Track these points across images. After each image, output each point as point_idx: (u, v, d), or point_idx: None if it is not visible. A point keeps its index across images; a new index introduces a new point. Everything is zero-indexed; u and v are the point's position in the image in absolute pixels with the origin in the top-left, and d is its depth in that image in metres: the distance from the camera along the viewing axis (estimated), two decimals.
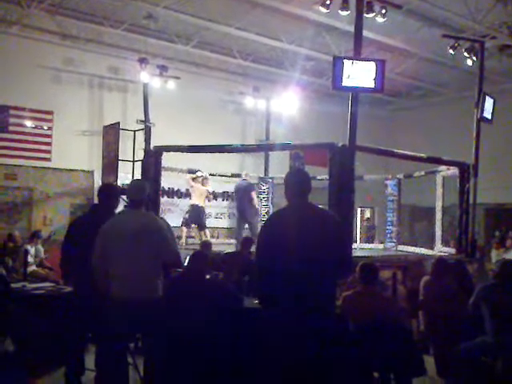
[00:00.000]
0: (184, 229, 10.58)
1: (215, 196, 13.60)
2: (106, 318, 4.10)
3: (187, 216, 10.71)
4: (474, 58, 9.83)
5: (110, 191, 4.97)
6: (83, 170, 12.51)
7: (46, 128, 12.12)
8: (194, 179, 10.93)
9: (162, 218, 4.28)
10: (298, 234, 3.45)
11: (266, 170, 13.26)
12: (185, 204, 12.43)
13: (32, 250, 9.62)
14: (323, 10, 8.63)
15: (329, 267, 3.44)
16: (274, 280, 3.48)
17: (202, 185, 10.92)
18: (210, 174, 11.37)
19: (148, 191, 4.37)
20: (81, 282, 4.54)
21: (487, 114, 9.72)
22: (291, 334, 3.44)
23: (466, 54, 9.80)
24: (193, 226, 10.89)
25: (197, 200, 10.76)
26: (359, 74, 7.52)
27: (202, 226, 10.81)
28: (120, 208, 5.01)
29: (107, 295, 4.04)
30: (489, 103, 9.71)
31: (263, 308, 3.80)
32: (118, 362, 4.11)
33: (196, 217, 10.68)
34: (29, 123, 11.93)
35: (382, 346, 4.26)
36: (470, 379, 4.68)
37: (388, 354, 4.26)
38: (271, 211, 12.49)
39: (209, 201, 11.21)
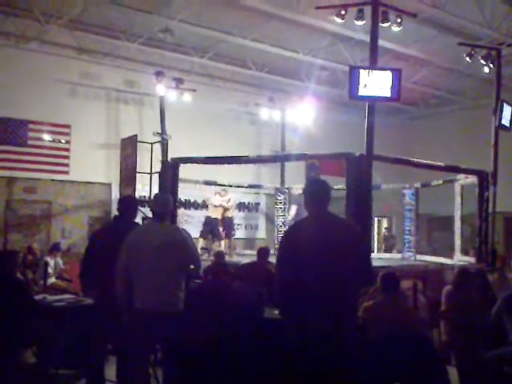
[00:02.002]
0: (201, 240, 10.65)
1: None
2: (127, 329, 4.11)
3: (203, 228, 10.86)
4: (491, 66, 9.76)
5: (129, 203, 5.01)
6: (101, 183, 12.61)
7: (63, 142, 12.25)
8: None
9: (184, 231, 4.29)
10: (318, 244, 3.43)
11: (282, 180, 13.26)
12: (201, 215, 12.52)
13: (52, 263, 9.68)
14: (338, 20, 8.64)
15: (350, 277, 3.42)
16: (295, 291, 3.47)
17: (220, 196, 11.04)
18: (227, 186, 11.43)
19: (172, 204, 4.41)
20: (102, 294, 4.55)
21: (505, 122, 9.64)
22: (312, 345, 3.41)
23: (482, 61, 9.73)
24: (209, 236, 10.95)
25: (210, 212, 10.93)
26: (375, 84, 7.52)
27: (218, 238, 10.90)
28: (138, 219, 5.05)
29: (129, 307, 4.04)
30: (507, 111, 9.63)
31: (283, 319, 3.79)
32: (139, 373, 4.11)
33: (211, 228, 10.83)
34: (47, 137, 12.08)
35: (404, 356, 4.21)
36: None
37: (410, 364, 4.21)
38: (287, 221, 12.50)
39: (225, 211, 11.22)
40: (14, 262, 5.29)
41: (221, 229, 11.05)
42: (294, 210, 11.16)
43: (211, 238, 10.98)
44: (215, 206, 10.98)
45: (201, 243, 10.59)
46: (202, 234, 10.79)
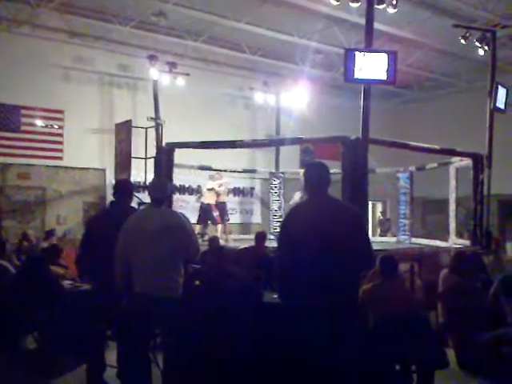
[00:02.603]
0: (197, 226, 10.67)
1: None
2: (126, 314, 4.10)
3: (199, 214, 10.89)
4: (486, 48, 9.73)
5: (125, 187, 4.99)
6: (95, 168, 12.55)
7: (56, 127, 12.16)
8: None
9: (183, 215, 4.27)
10: (318, 228, 3.43)
11: (276, 165, 13.24)
12: (195, 201, 12.54)
13: None
14: (333, 2, 8.57)
15: (350, 260, 3.43)
16: (295, 275, 3.47)
17: (212, 180, 11.05)
18: (221, 170, 11.42)
19: (170, 189, 4.39)
20: (100, 279, 4.55)
21: (500, 104, 9.64)
22: (311, 328, 3.42)
23: (477, 43, 9.70)
24: (206, 222, 10.97)
25: (204, 197, 10.97)
26: (371, 66, 7.47)
27: (213, 223, 10.94)
28: (133, 205, 5.04)
29: (128, 292, 4.04)
30: (502, 93, 9.63)
31: (283, 303, 3.80)
32: (139, 358, 4.11)
33: (205, 214, 10.86)
34: (40, 123, 11.97)
35: (403, 338, 4.24)
36: (492, 371, 4.65)
37: (410, 346, 4.24)
38: (283, 206, 12.52)
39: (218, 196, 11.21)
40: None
41: (215, 214, 11.06)
42: (298, 196, 11.17)
43: (207, 224, 10.99)
44: (208, 190, 11.01)
45: (197, 229, 10.60)
46: (198, 220, 10.81)
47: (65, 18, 11.54)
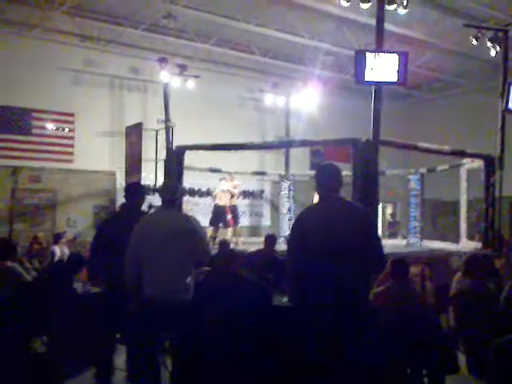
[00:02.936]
0: (210, 229, 10.61)
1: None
2: (135, 317, 4.10)
3: (212, 216, 10.82)
4: (498, 48, 9.64)
5: (136, 190, 5.00)
6: (105, 171, 12.59)
7: (68, 130, 12.23)
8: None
9: (194, 219, 4.26)
10: (329, 230, 3.43)
11: (286, 167, 13.22)
12: (206, 203, 12.50)
13: (58, 252, 9.70)
14: (344, 3, 8.53)
15: (361, 262, 3.41)
16: (306, 277, 3.46)
17: (226, 181, 11.02)
18: (231, 173, 11.39)
19: (180, 191, 4.40)
20: (110, 282, 4.55)
21: None
22: (323, 331, 3.41)
23: (489, 43, 9.61)
24: (220, 225, 10.91)
25: (218, 199, 10.89)
26: (382, 68, 7.44)
27: (225, 225, 10.88)
28: (144, 207, 5.04)
29: (138, 295, 4.04)
30: None
31: (293, 305, 3.78)
32: (148, 361, 4.11)
33: (219, 216, 10.79)
34: (51, 126, 12.05)
35: (414, 341, 4.21)
36: (504, 376, 4.59)
37: (421, 349, 4.21)
38: (292, 208, 12.48)
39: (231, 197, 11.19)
40: None
41: (229, 216, 11.01)
42: (316, 198, 11.14)
43: (219, 227, 10.93)
44: (222, 192, 10.93)
45: (210, 232, 10.55)
46: (212, 223, 10.73)
47: (75, 22, 11.62)
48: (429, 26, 11.41)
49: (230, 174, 11.28)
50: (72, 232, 11.58)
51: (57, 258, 9.30)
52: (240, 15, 11.24)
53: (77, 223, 12.14)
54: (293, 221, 6.90)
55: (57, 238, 10.09)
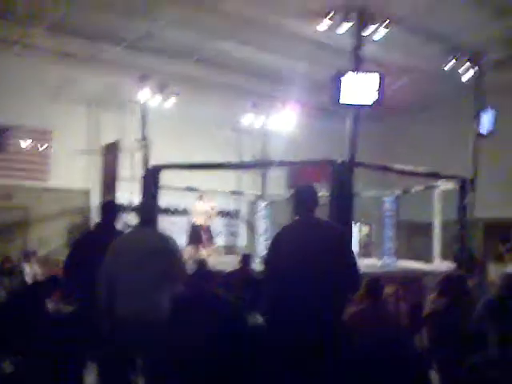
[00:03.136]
0: (188, 248, 10.55)
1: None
2: (108, 336, 4.04)
3: (190, 235, 10.78)
4: (472, 73, 9.88)
5: (111, 209, 4.96)
6: (80, 190, 12.46)
7: (43, 147, 12.10)
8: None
9: (170, 237, 4.25)
10: (305, 249, 3.44)
11: (263, 187, 13.25)
12: (183, 222, 12.44)
13: (28, 269, 9.55)
14: (323, 27, 8.69)
15: (337, 282, 3.42)
16: (281, 297, 3.46)
17: (204, 202, 11.01)
18: (209, 192, 11.40)
19: (157, 210, 4.40)
20: (83, 301, 4.49)
21: (485, 129, 9.79)
22: (296, 350, 3.40)
23: (464, 68, 9.85)
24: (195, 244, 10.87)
25: (195, 218, 10.86)
26: (358, 91, 7.58)
27: (202, 245, 10.85)
28: (120, 226, 5.01)
29: (111, 314, 3.98)
30: (487, 118, 9.78)
31: (268, 325, 3.77)
32: (120, 380, 4.05)
33: (197, 235, 10.76)
34: (27, 143, 11.91)
35: (387, 363, 4.21)
36: None
37: (394, 370, 4.21)
38: (269, 228, 12.47)
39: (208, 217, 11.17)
40: None
41: (204, 236, 11.00)
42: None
43: (196, 245, 10.89)
44: (201, 212, 10.91)
45: (188, 251, 10.48)
46: (190, 242, 10.69)
47: (55, 39, 11.54)
48: (407, 50, 11.62)
49: (202, 194, 11.23)
50: (45, 251, 11.41)
51: (27, 277, 9.15)
52: (220, 35, 11.32)
53: (50, 242, 11.94)
54: (269, 241, 6.91)
55: (26, 256, 9.92)
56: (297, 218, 3.66)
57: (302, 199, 3.64)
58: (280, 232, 3.82)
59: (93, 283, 4.03)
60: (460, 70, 10.04)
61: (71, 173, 12.05)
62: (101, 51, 12.06)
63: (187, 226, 11.13)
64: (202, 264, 7.44)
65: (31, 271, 9.69)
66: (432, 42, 11.17)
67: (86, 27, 11.31)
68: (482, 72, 9.95)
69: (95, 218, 4.85)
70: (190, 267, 6.57)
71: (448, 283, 5.53)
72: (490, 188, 11.17)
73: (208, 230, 11.13)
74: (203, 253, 10.85)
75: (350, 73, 7.76)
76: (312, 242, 3.46)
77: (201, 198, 11.15)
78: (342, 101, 7.61)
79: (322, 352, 3.40)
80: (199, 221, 10.91)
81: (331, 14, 8.51)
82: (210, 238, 11.14)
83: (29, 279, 9.41)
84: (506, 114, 12.07)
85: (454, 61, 9.96)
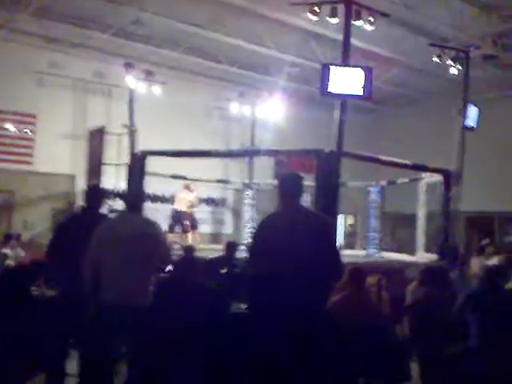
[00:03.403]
0: (170, 234, 10.57)
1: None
2: (91, 323, 4.04)
3: (171, 221, 10.80)
4: (459, 67, 9.95)
5: (96, 193, 4.94)
6: (65, 174, 12.39)
7: (28, 131, 12.00)
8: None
9: (155, 223, 4.25)
10: (289, 237, 3.45)
11: (250, 176, 13.26)
12: (167, 209, 12.42)
13: (11, 254, 9.47)
14: (312, 17, 8.68)
15: (320, 271, 3.44)
16: (265, 284, 3.48)
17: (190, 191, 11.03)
18: (195, 180, 11.39)
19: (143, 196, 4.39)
20: (66, 286, 4.47)
21: (471, 123, 9.87)
22: (280, 338, 3.43)
23: (451, 62, 9.92)
24: (178, 230, 10.90)
25: (177, 205, 10.90)
26: (347, 82, 7.59)
27: (184, 230, 10.89)
28: (105, 211, 5.00)
29: (95, 299, 3.98)
30: (473, 112, 9.86)
31: (251, 313, 3.79)
32: (102, 368, 4.05)
33: (179, 221, 10.79)
34: (11, 126, 11.80)
35: (369, 351, 4.27)
36: None
37: (374, 358, 4.27)
38: (254, 217, 12.52)
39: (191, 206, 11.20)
40: None
41: (187, 222, 11.02)
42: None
43: (179, 232, 10.92)
44: (183, 199, 10.93)
45: (170, 237, 10.50)
46: (171, 228, 10.72)
47: (41, 23, 11.40)
48: (394, 44, 11.65)
49: (190, 184, 11.23)
50: (29, 234, 11.35)
51: (9, 260, 9.10)
52: (209, 24, 11.26)
53: (34, 226, 11.87)
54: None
55: (7, 239, 9.84)
56: (281, 205, 3.67)
57: (287, 187, 3.65)
58: (264, 220, 3.83)
59: (76, 267, 4.01)
60: (446, 64, 10.08)
61: (57, 157, 11.98)
62: (88, 37, 11.94)
63: (170, 212, 11.13)
64: (189, 250, 7.47)
65: (13, 254, 9.62)
66: (419, 35, 11.22)
67: (72, 12, 11.18)
68: (469, 66, 10.00)
69: (80, 202, 4.83)
70: (175, 253, 6.60)
71: (429, 274, 5.59)
72: (473, 182, 11.28)
73: (192, 217, 11.15)
74: (189, 239, 10.87)
75: (338, 64, 7.74)
76: (296, 229, 3.47)
77: (188, 187, 11.14)
78: (330, 91, 7.60)
79: (305, 339, 3.42)
80: (182, 207, 10.93)
81: (319, 6, 8.46)
82: (194, 226, 11.16)
83: (11, 262, 9.34)
84: (492, 108, 12.21)
85: (440, 55, 9.98)
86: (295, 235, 3.45)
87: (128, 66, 11.66)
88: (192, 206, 11.07)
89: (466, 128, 9.79)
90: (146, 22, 11.17)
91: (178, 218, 10.90)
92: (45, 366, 4.66)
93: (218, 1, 10.00)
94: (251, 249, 3.71)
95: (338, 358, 4.13)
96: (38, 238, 11.25)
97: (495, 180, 13.36)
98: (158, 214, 12.51)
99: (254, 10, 10.33)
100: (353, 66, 7.88)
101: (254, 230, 3.99)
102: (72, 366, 4.59)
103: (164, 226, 10.67)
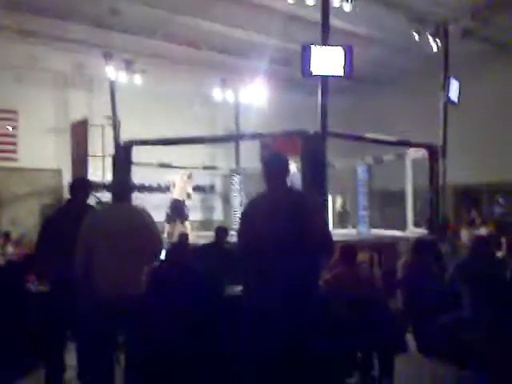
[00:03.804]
0: (167, 224, 10.46)
1: None
2: (86, 313, 4.04)
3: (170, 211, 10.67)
4: (439, 43, 9.97)
5: (81, 185, 4.92)
6: (51, 169, 12.31)
7: (10, 128, 11.89)
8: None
9: (146, 212, 4.24)
10: (276, 218, 3.46)
11: (237, 161, 13.26)
12: (157, 199, 12.36)
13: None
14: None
15: (310, 250, 3.46)
16: (256, 266, 3.49)
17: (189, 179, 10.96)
18: (182, 168, 11.32)
19: (132, 186, 4.37)
20: (59, 279, 4.46)
21: (453, 97, 9.92)
22: (275, 318, 3.45)
23: (430, 38, 9.93)
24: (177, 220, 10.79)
25: (176, 194, 10.81)
26: (328, 62, 7.59)
27: (184, 219, 10.80)
28: (92, 203, 4.98)
29: (89, 291, 3.97)
30: (454, 86, 9.90)
31: (245, 295, 3.81)
32: (101, 358, 4.06)
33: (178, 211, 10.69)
34: None
35: (364, 325, 4.32)
36: (450, 355, 4.77)
37: (371, 332, 4.32)
38: (244, 201, 12.53)
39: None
40: None
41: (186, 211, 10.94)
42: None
43: (176, 222, 10.79)
44: (182, 188, 10.80)
45: (167, 227, 10.40)
46: (169, 219, 10.59)
47: (16, 17, 11.22)
48: (373, 22, 11.61)
49: (191, 174, 11.11)
50: (17, 231, 11.29)
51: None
52: (186, 10, 11.14)
53: (23, 222, 11.80)
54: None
55: (4, 238, 9.83)
56: (267, 187, 3.67)
57: (272, 169, 3.65)
58: (250, 202, 3.84)
59: (68, 260, 4.00)
60: (426, 41, 10.09)
61: (41, 152, 11.89)
62: (65, 29, 11.76)
63: (169, 201, 10.97)
64: (183, 237, 7.46)
65: (3, 252, 9.60)
66: (397, 12, 11.18)
67: (47, 4, 10.99)
68: (448, 41, 10.02)
69: (67, 196, 4.80)
70: (173, 242, 6.58)
71: (420, 246, 5.65)
72: (459, 155, 11.36)
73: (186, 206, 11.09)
74: (188, 227, 10.77)
75: (315, 48, 7.71)
76: (282, 209, 3.47)
77: (189, 176, 11.00)
78: (311, 71, 7.59)
79: (301, 317, 3.44)
80: (180, 196, 10.82)
81: None
82: (187, 214, 11.11)
83: (2, 261, 9.31)
84: (473, 83, 12.25)
85: (419, 31, 9.99)
86: (281, 215, 3.46)
87: (107, 56, 11.55)
88: (189, 196, 10.99)
89: (449, 102, 9.84)
90: (123, 11, 11.02)
91: (180, 208, 10.72)
92: (44, 358, 4.67)
93: None
94: (239, 231, 3.72)
95: (334, 334, 4.18)
96: (27, 235, 11.22)
97: (480, 153, 13.43)
98: (147, 203, 12.54)
99: None
100: (333, 46, 7.87)
101: (240, 213, 4.00)
102: (71, 357, 4.61)
103: (155, 215, 10.60)
